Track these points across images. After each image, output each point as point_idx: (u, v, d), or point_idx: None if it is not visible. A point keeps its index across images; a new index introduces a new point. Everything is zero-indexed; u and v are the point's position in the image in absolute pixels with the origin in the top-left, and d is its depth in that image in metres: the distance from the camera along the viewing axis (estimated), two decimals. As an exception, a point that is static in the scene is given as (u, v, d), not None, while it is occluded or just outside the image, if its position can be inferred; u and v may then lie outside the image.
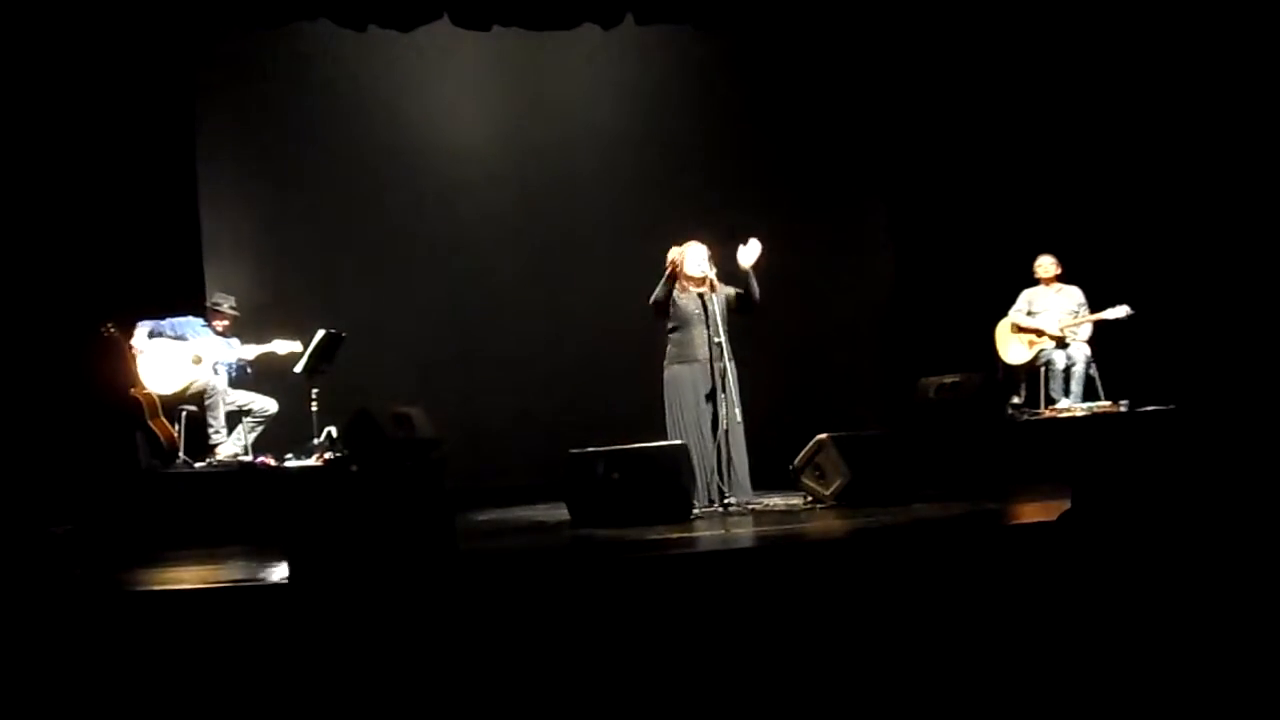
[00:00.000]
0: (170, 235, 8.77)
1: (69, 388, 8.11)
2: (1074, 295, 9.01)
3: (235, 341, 8.24)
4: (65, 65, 8.42)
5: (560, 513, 7.22)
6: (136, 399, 7.75)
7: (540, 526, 7.26)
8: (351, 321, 8.59)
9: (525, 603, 4.71)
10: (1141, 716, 3.89)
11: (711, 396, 7.18)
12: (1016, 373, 9.07)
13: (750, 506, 7.09)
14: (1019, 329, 9.02)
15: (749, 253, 7.30)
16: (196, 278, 8.82)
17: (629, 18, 9.54)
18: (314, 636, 4.52)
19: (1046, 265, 9.00)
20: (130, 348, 7.86)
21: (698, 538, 6.17)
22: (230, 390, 8.08)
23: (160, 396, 7.84)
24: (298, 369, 8.14)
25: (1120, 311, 8.74)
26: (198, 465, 7.82)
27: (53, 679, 4.35)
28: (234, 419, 8.06)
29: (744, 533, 6.26)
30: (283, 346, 8.13)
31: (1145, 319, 8.78)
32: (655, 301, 7.29)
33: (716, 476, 7.11)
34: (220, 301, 8.28)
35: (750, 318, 7.46)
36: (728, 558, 5.57)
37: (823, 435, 7.26)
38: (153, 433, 7.75)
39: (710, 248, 7.32)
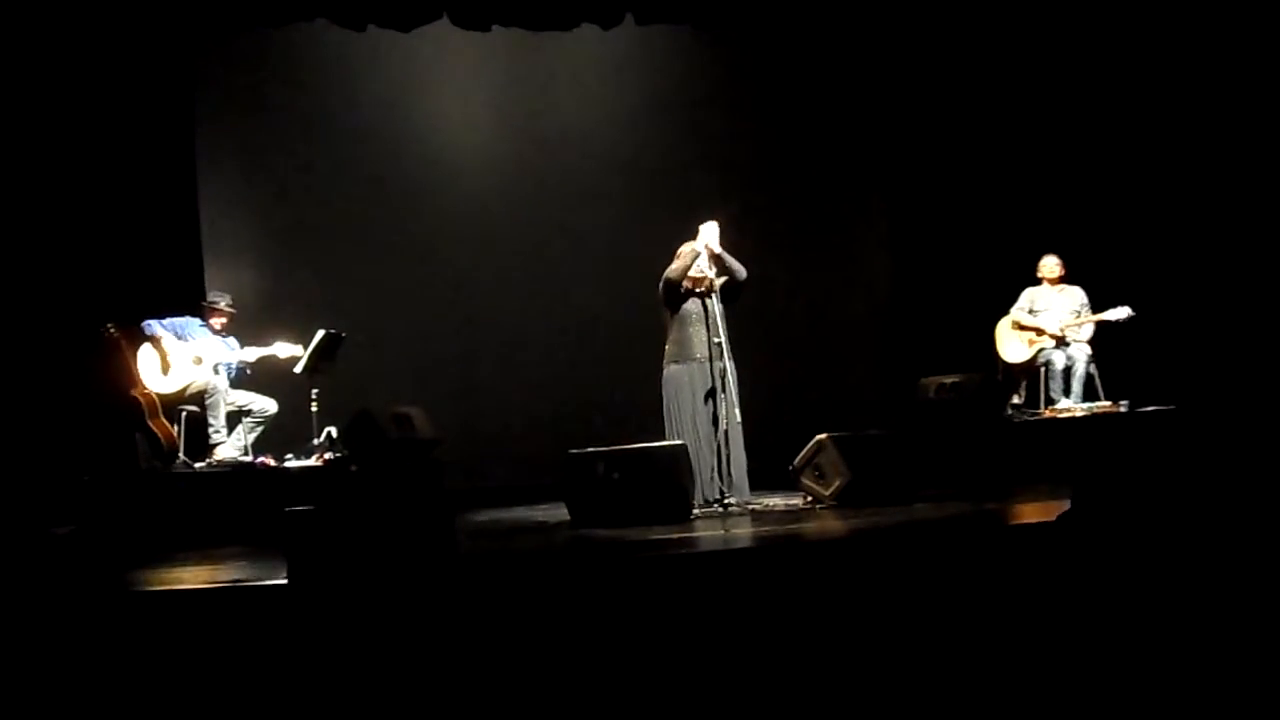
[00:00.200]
0: (170, 235, 8.77)
1: (69, 388, 8.11)
2: (1076, 296, 9.01)
3: (233, 341, 8.24)
4: (65, 66, 8.43)
5: (560, 513, 7.21)
6: (136, 399, 7.75)
7: (540, 527, 7.25)
8: (351, 321, 8.60)
9: (525, 603, 4.71)
10: (1141, 716, 3.89)
11: (711, 396, 7.18)
12: (1016, 373, 9.07)
13: (750, 507, 7.09)
14: (1020, 327, 9.02)
15: (708, 236, 7.27)
16: (196, 278, 8.82)
17: (629, 18, 9.55)
18: (314, 637, 4.52)
19: (1051, 266, 9.00)
20: (131, 347, 7.86)
21: (697, 538, 6.16)
22: (230, 390, 8.08)
23: (160, 396, 7.84)
24: (297, 369, 8.14)
25: (1122, 313, 8.74)
26: (198, 466, 7.82)
27: (54, 679, 4.35)
28: (234, 419, 8.05)
29: (743, 533, 6.26)
30: (284, 350, 8.12)
31: (1145, 319, 8.78)
32: (668, 280, 7.27)
33: (716, 477, 7.11)
34: (216, 299, 8.28)
35: (741, 295, 7.38)
36: (727, 558, 5.56)
37: (822, 435, 7.26)
38: (152, 433, 7.74)
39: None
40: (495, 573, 5.25)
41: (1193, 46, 9.31)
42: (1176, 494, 4.29)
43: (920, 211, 10.13)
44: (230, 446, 7.96)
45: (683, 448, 7.00)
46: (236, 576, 5.47)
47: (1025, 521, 5.96)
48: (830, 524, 6.49)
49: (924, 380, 8.35)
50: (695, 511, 6.91)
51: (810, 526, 6.43)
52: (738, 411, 7.13)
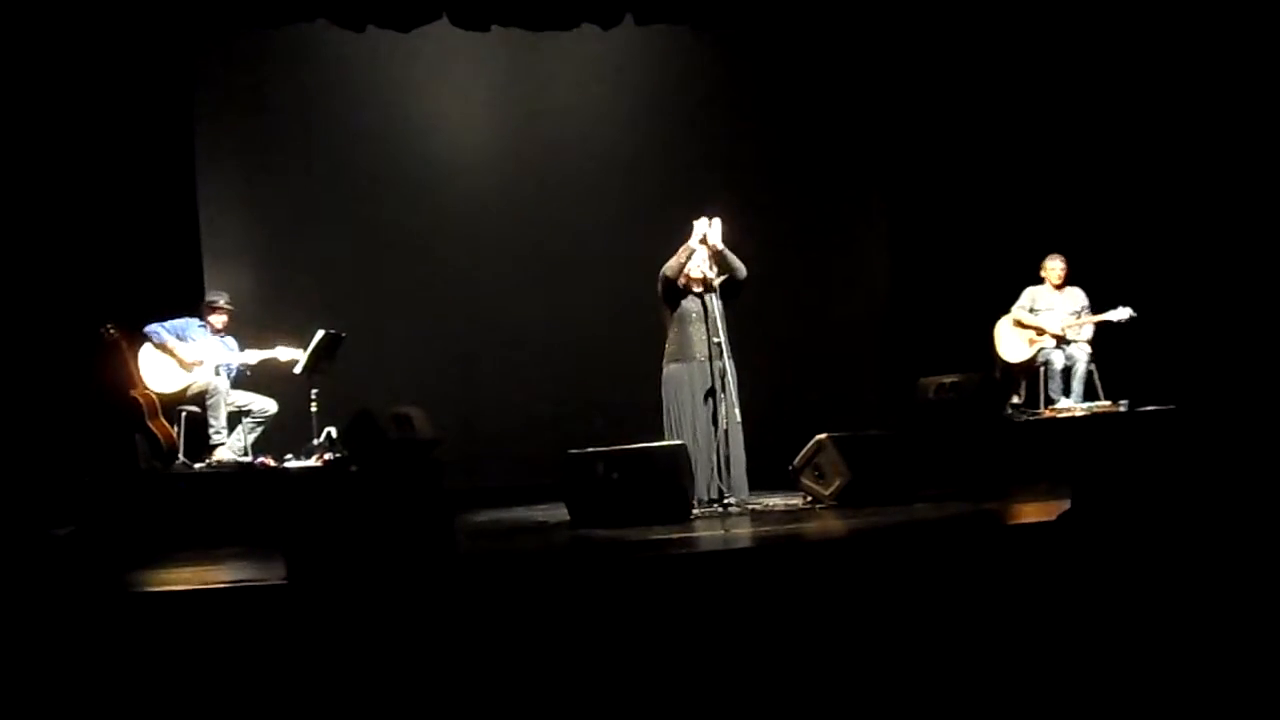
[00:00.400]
0: (170, 236, 8.77)
1: (69, 389, 8.11)
2: (1077, 297, 9.01)
3: (232, 341, 8.24)
4: (64, 66, 8.43)
5: (560, 513, 7.21)
6: (136, 400, 7.75)
7: (540, 527, 7.25)
8: (351, 322, 8.59)
9: (525, 603, 4.70)
10: (1141, 716, 3.89)
11: (710, 396, 7.18)
12: (1016, 372, 9.07)
13: (750, 507, 7.09)
14: (1020, 325, 9.02)
15: (711, 232, 7.27)
16: (196, 278, 8.82)
17: (628, 18, 9.54)
18: (314, 637, 4.52)
19: (1055, 268, 8.99)
20: (131, 347, 7.87)
21: (697, 538, 6.16)
22: (230, 391, 8.08)
23: (160, 396, 7.85)
24: (297, 369, 8.14)
25: (1122, 314, 8.74)
26: (197, 466, 7.82)
27: (54, 680, 4.35)
28: (233, 420, 8.06)
29: (743, 533, 6.26)
30: (285, 353, 8.13)
31: (1145, 319, 8.78)
32: (665, 276, 7.27)
33: (716, 477, 7.11)
34: (215, 298, 8.28)
35: (742, 293, 7.39)
36: (727, 558, 5.56)
37: (822, 435, 7.26)
38: (152, 434, 7.75)
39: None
40: (495, 573, 5.25)
41: (1192, 47, 9.32)
42: (1176, 494, 4.30)
43: (920, 211, 10.12)
44: (230, 447, 7.96)
45: (682, 448, 7.00)
46: (236, 577, 5.47)
47: (1025, 521, 5.97)
48: (830, 524, 6.49)
49: (923, 380, 8.35)
50: (695, 511, 6.91)
51: (810, 526, 6.43)
52: (737, 411, 7.13)
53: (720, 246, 7.26)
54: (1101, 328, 8.88)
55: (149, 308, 8.15)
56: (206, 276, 8.89)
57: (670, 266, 7.26)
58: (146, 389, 7.84)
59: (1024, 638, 4.31)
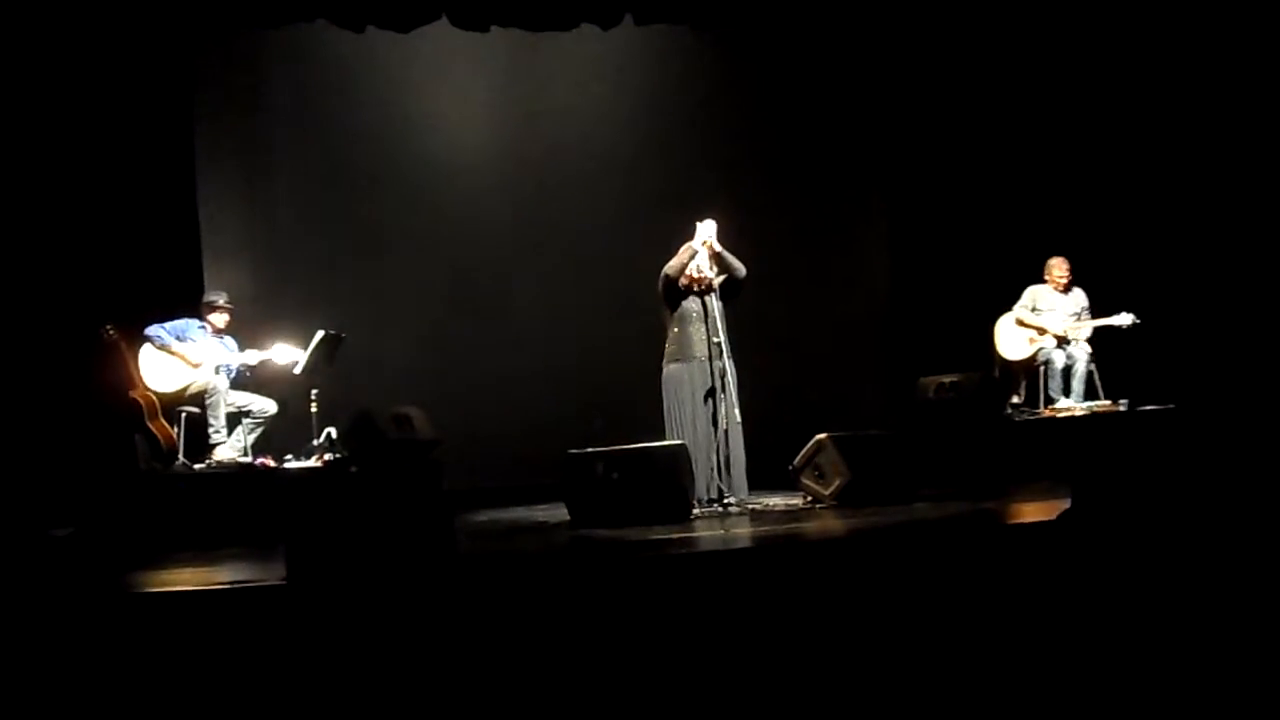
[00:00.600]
0: (169, 236, 8.76)
1: (69, 390, 8.10)
2: (1079, 298, 9.02)
3: (231, 341, 8.24)
4: (64, 66, 8.42)
5: (559, 513, 7.21)
6: (135, 400, 7.75)
7: (540, 527, 7.25)
8: (350, 322, 8.59)
9: (525, 603, 4.70)
10: (1141, 716, 3.89)
11: (710, 396, 7.18)
12: (1016, 372, 9.07)
13: (749, 506, 7.09)
14: (1021, 324, 9.02)
15: (706, 233, 7.26)
16: (196, 278, 8.81)
17: (628, 18, 9.54)
18: (314, 638, 4.52)
19: (1060, 270, 8.98)
20: (130, 348, 7.87)
21: (697, 538, 6.16)
22: (230, 391, 8.08)
23: (160, 396, 7.85)
24: (297, 370, 8.14)
25: (1125, 319, 8.76)
26: (197, 467, 7.82)
27: (54, 681, 4.35)
28: (233, 420, 8.05)
29: (743, 533, 6.26)
30: (284, 353, 8.12)
31: (1145, 318, 8.79)
32: (666, 276, 7.27)
33: (716, 476, 7.11)
34: (214, 297, 8.27)
35: (741, 292, 7.38)
36: (727, 558, 5.56)
37: (822, 435, 7.26)
38: (152, 434, 7.75)
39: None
40: (495, 573, 5.25)
41: (1186, 50, 9.32)
42: (1176, 493, 4.30)
43: (920, 211, 10.12)
44: (230, 447, 7.96)
45: (682, 447, 7.00)
46: (236, 577, 5.47)
47: (1025, 521, 5.97)
48: (830, 524, 6.49)
49: (923, 380, 8.35)
50: (695, 511, 6.91)
51: (810, 526, 6.43)
52: (737, 411, 7.13)
53: (717, 248, 7.27)
54: (1102, 330, 8.88)
55: (149, 308, 8.15)
56: (206, 276, 8.88)
57: (672, 266, 7.26)
58: (146, 389, 7.83)
59: (1024, 637, 4.31)
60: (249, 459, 7.90)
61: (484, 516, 7.81)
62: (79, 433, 8.00)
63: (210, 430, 7.94)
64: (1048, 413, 8.70)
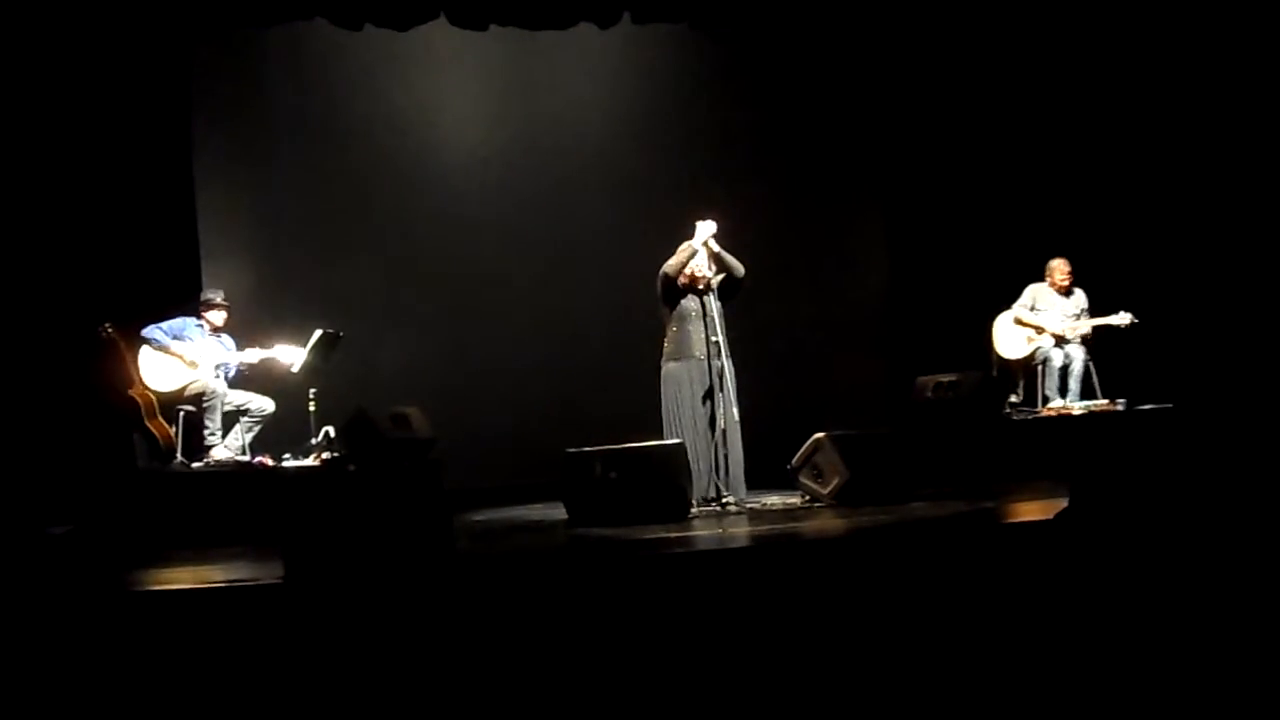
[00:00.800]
0: (167, 235, 8.75)
1: (67, 388, 8.10)
2: (1079, 300, 9.03)
3: (229, 340, 8.24)
4: (62, 65, 8.41)
5: (558, 512, 7.21)
6: (133, 399, 7.75)
7: (537, 526, 7.25)
8: (348, 321, 8.59)
9: (523, 603, 4.71)
10: (1140, 715, 3.89)
11: (709, 395, 7.18)
12: (1014, 371, 9.08)
13: (748, 506, 7.09)
14: (1020, 323, 9.03)
15: (705, 233, 7.27)
16: (194, 277, 8.80)
17: (626, 17, 9.53)
18: (312, 637, 4.52)
19: (1061, 270, 8.99)
20: (129, 347, 7.87)
21: (695, 537, 6.17)
22: (228, 390, 8.08)
23: (158, 395, 7.84)
24: (295, 369, 8.13)
25: (1123, 319, 8.77)
26: (195, 466, 7.82)
27: (52, 679, 4.35)
28: (231, 419, 8.05)
29: (741, 532, 6.27)
30: (283, 353, 8.12)
31: (1142, 317, 8.80)
32: (665, 275, 7.27)
33: (714, 476, 7.11)
34: (212, 296, 8.26)
35: (740, 291, 7.39)
36: (725, 557, 5.56)
37: (820, 434, 7.26)
38: (150, 433, 7.75)
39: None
40: (493, 572, 5.26)
41: (1184, 52, 9.33)
42: (1174, 492, 4.30)
43: (918, 210, 10.12)
44: (228, 446, 7.95)
45: (680, 447, 7.00)
46: (234, 576, 5.47)
47: (1023, 520, 5.98)
48: (828, 523, 6.50)
49: (921, 379, 8.35)
50: (693, 511, 6.91)
51: (808, 525, 6.43)
52: (735, 410, 7.12)
53: (716, 248, 7.27)
54: (1100, 329, 8.89)
55: (147, 306, 8.14)
56: (204, 275, 8.86)
57: (671, 265, 7.26)
58: (144, 388, 7.83)
59: (1022, 636, 4.31)
60: (247, 458, 7.90)
61: (482, 515, 7.80)
62: (77, 431, 8.00)
63: (205, 433, 7.94)
64: (1046, 412, 8.71)
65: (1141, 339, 8.85)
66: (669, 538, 6.05)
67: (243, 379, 8.26)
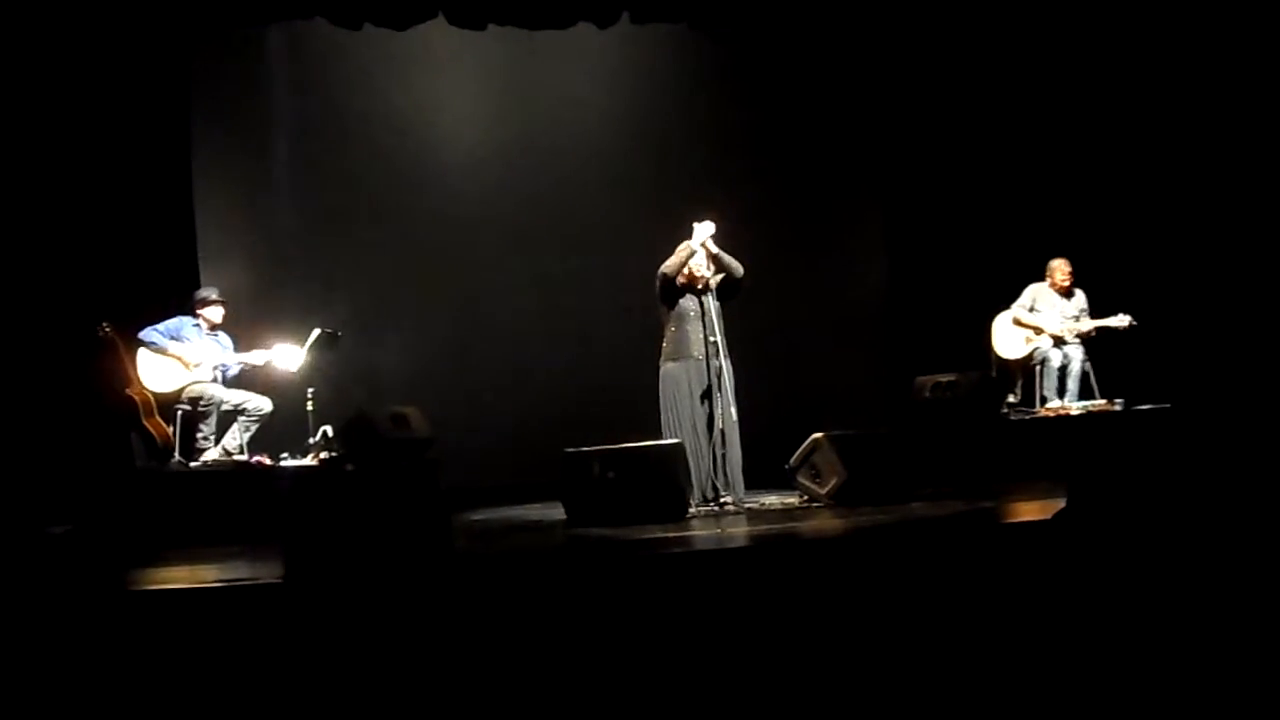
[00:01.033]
0: (166, 234, 8.76)
1: (65, 388, 8.10)
2: (1079, 301, 9.03)
3: (226, 338, 8.24)
4: (60, 65, 8.41)
5: (556, 512, 7.22)
6: (131, 398, 7.74)
7: (536, 526, 7.25)
8: (347, 320, 8.59)
9: (521, 602, 4.71)
10: (1138, 715, 3.90)
11: (707, 395, 7.18)
12: (1012, 371, 9.08)
13: (746, 506, 7.10)
14: (1018, 323, 9.03)
15: (704, 233, 7.27)
16: (192, 276, 8.81)
17: (625, 17, 9.54)
18: (310, 636, 4.52)
19: (1062, 271, 8.99)
20: (127, 346, 7.87)
21: (693, 537, 6.17)
22: (226, 390, 8.08)
23: (156, 395, 7.84)
24: (293, 369, 8.13)
25: (1122, 320, 8.78)
26: (193, 465, 7.82)
27: (51, 679, 4.35)
28: (229, 418, 8.04)
29: (739, 532, 6.26)
30: (286, 354, 8.12)
31: (1140, 317, 8.80)
32: (663, 274, 7.27)
33: (712, 475, 7.12)
34: (207, 293, 8.26)
35: (739, 291, 7.39)
36: (723, 557, 5.56)
37: (818, 434, 7.27)
38: (148, 432, 7.75)
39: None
40: (491, 572, 5.25)
41: (1184, 53, 9.33)
42: (1172, 492, 4.30)
43: (916, 211, 10.13)
44: (225, 445, 7.95)
45: (679, 446, 7.00)
46: (232, 575, 5.47)
47: (1021, 520, 5.98)
48: (826, 523, 6.50)
49: (920, 379, 8.36)
50: (691, 510, 6.91)
51: (806, 525, 6.44)
52: (734, 410, 7.13)
53: (714, 249, 7.27)
54: (1099, 331, 8.90)
55: (145, 306, 8.14)
56: (202, 274, 8.86)
57: (669, 265, 7.27)
58: (142, 387, 7.83)
59: (1020, 636, 4.31)
60: (245, 457, 7.90)
61: (480, 515, 7.80)
62: (75, 430, 8.00)
63: (199, 437, 7.95)
64: (1044, 412, 8.71)
65: (1139, 339, 8.86)
66: (667, 538, 6.05)
67: (241, 378, 8.25)
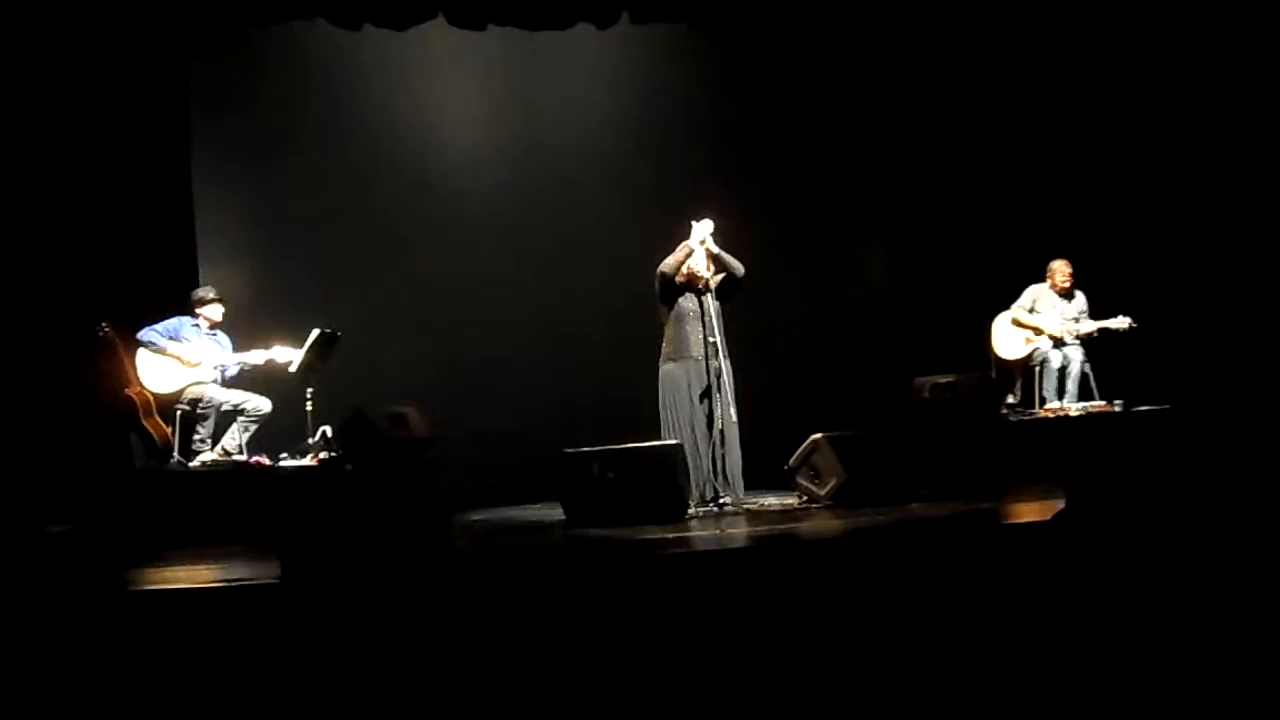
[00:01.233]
0: (165, 235, 8.76)
1: (65, 387, 8.10)
2: (1079, 302, 9.04)
3: (225, 338, 8.23)
4: (61, 65, 8.42)
5: (555, 512, 7.21)
6: (131, 398, 7.74)
7: (535, 526, 7.25)
8: (346, 320, 8.58)
9: (520, 603, 4.71)
10: (1138, 715, 3.90)
11: (706, 395, 7.18)
12: (1012, 372, 9.08)
13: (745, 506, 7.09)
14: (1017, 324, 9.04)
15: (702, 231, 7.27)
16: (191, 277, 8.81)
17: (624, 17, 9.54)
18: (309, 636, 4.52)
19: (1062, 272, 8.99)
20: (126, 346, 7.87)
21: (693, 538, 6.17)
22: (225, 391, 8.08)
23: (156, 396, 7.84)
24: (292, 369, 8.13)
25: (1122, 322, 8.79)
26: (192, 465, 7.82)
27: (50, 679, 4.35)
28: (228, 418, 8.05)
29: (739, 533, 6.26)
30: (282, 354, 8.12)
31: (1139, 319, 8.81)
32: (662, 273, 7.27)
33: (711, 476, 7.11)
34: (205, 292, 8.26)
35: (739, 290, 7.39)
36: (722, 558, 5.56)
37: (818, 435, 7.26)
38: (147, 432, 7.75)
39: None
40: (490, 572, 5.25)
41: (1184, 54, 9.33)
42: (1171, 493, 4.30)
43: (916, 211, 10.12)
44: (224, 445, 7.95)
45: (678, 447, 7.00)
46: (231, 575, 5.47)
47: (1020, 521, 5.98)
48: (825, 524, 6.49)
49: (919, 380, 8.35)
50: (690, 511, 6.91)
51: (805, 526, 6.43)
52: (733, 410, 7.12)
53: (715, 249, 7.27)
54: (1099, 332, 8.90)
55: (145, 306, 8.14)
56: (202, 275, 8.87)
57: (668, 264, 7.27)
58: (142, 387, 7.83)
59: (1019, 637, 4.31)
60: (244, 457, 7.89)
61: (480, 515, 7.80)
62: (75, 430, 8.00)
63: (195, 438, 7.96)
64: (1043, 413, 8.71)
65: (1139, 340, 8.86)
66: (667, 538, 6.05)
67: (240, 378, 8.25)
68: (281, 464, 7.85)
